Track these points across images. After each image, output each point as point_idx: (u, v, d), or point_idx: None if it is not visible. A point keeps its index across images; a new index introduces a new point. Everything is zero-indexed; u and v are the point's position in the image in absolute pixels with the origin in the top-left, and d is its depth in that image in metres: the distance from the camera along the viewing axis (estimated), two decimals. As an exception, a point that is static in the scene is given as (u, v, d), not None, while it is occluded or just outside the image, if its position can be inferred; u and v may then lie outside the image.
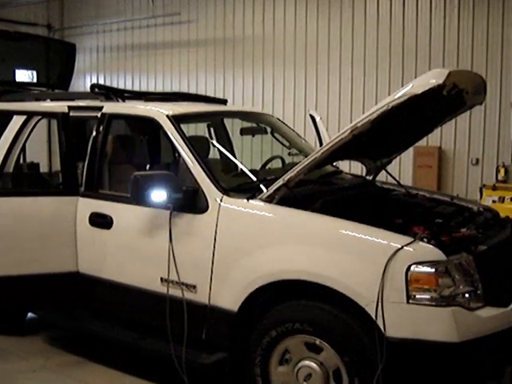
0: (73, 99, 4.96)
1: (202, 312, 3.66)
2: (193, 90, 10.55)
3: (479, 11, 8.18)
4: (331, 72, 9.45)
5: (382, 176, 4.84)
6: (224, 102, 5.64)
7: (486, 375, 3.29)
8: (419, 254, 3.07)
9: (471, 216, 3.98)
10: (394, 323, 3.02)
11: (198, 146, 4.20)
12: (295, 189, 3.64)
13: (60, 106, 4.62)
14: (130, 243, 4.10)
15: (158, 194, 3.65)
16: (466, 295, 3.11)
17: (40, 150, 9.47)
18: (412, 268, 3.03)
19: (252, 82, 10.30)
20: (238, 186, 3.89)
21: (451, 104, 3.85)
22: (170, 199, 3.67)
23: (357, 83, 9.21)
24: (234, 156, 5.10)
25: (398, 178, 4.98)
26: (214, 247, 3.60)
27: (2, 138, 4.66)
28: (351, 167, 5.92)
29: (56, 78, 6.70)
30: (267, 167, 4.82)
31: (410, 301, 3.02)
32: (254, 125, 5.25)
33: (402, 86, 3.30)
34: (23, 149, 4.88)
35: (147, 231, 3.97)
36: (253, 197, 3.65)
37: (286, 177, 3.54)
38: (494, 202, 7.40)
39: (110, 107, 4.48)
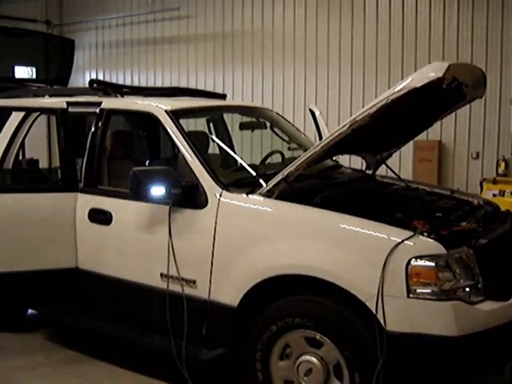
0: (71, 95, 4.95)
1: (202, 307, 3.66)
2: (192, 85, 10.51)
3: (479, 5, 8.14)
4: (331, 66, 9.42)
5: (382, 170, 4.83)
6: (223, 96, 5.63)
7: (486, 369, 3.29)
8: (419, 248, 3.06)
9: (471, 210, 3.96)
10: (395, 317, 3.01)
11: (198, 141, 4.19)
12: (295, 183, 3.63)
13: (59, 102, 4.62)
14: (130, 239, 4.09)
15: (158, 190, 3.64)
16: (467, 289, 3.10)
17: (39, 147, 9.46)
18: (412, 262, 3.02)
19: (251, 77, 10.27)
20: (238, 180, 3.88)
21: (451, 97, 3.83)
22: (169, 194, 3.67)
23: (356, 77, 9.18)
24: (234, 151, 5.08)
25: (398, 172, 4.97)
26: (214, 242, 3.59)
27: (1, 134, 4.66)
28: (351, 161, 5.91)
29: (55, 74, 6.70)
30: (267, 162, 4.80)
31: (411, 295, 3.01)
32: (254, 119, 5.23)
33: (402, 79, 3.28)
34: (22, 145, 4.89)
35: (147, 227, 3.96)
36: (252, 192, 3.64)
37: (286, 171, 3.53)
38: (494, 195, 7.38)
39: (109, 103, 4.46)
